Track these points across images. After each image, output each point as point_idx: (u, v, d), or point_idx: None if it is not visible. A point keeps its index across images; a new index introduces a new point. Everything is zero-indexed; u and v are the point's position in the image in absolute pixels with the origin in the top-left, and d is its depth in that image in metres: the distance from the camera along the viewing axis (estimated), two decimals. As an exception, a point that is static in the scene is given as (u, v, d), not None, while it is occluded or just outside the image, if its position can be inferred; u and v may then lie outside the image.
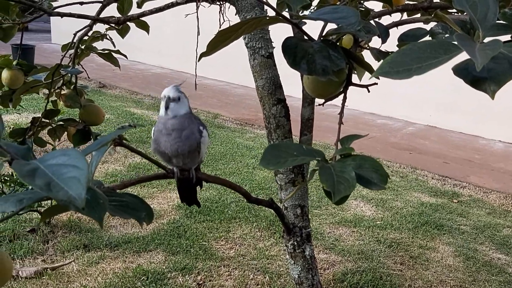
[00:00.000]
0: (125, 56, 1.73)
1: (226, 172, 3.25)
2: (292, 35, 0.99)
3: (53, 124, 1.54)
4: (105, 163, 3.22)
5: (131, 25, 1.57)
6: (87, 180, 0.58)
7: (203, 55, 0.84)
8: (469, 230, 2.68)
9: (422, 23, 1.13)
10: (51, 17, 9.35)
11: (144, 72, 7.00)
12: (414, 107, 5.14)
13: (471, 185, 3.43)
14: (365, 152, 3.95)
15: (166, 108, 0.91)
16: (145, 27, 1.60)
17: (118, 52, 1.65)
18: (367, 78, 0.92)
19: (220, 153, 3.64)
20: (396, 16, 1.21)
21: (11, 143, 0.72)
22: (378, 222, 2.67)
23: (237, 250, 2.25)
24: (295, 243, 1.28)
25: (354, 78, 1.01)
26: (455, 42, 0.64)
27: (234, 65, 5.32)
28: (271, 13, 0.85)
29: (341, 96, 0.94)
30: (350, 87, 0.99)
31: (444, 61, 0.63)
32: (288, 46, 0.86)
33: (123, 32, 1.60)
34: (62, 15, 1.16)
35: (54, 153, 0.62)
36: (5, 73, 1.38)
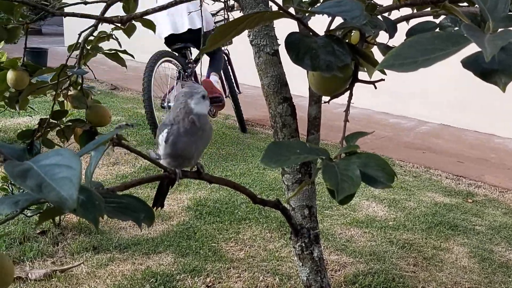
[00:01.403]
0: (132, 56, 1.72)
1: (237, 173, 3.23)
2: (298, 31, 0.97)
3: (61, 125, 1.54)
4: (115, 165, 3.23)
5: (140, 26, 1.57)
6: (80, 180, 0.56)
7: (203, 50, 0.82)
8: (485, 231, 2.62)
9: (432, 17, 1.10)
10: (64, 21, 9.36)
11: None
12: (427, 106, 5.07)
13: (487, 185, 3.36)
14: (377, 151, 3.90)
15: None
16: (151, 26, 1.58)
17: (125, 52, 1.64)
18: (378, 76, 0.89)
19: (231, 154, 3.62)
20: (407, 11, 1.18)
21: (6, 144, 0.70)
22: (391, 223, 2.63)
23: (247, 251, 2.23)
24: (303, 245, 1.25)
25: (365, 76, 0.99)
26: (464, 34, 0.61)
27: (246, 66, 5.31)
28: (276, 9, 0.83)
29: (354, 95, 0.91)
30: (361, 86, 0.96)
31: (452, 53, 0.60)
32: (292, 42, 0.84)
33: (128, 31, 1.59)
34: (65, 15, 1.15)
35: (48, 154, 0.60)
36: (10, 74, 1.37)
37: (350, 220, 2.63)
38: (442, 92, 4.92)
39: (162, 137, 0.90)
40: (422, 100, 5.09)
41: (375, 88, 0.91)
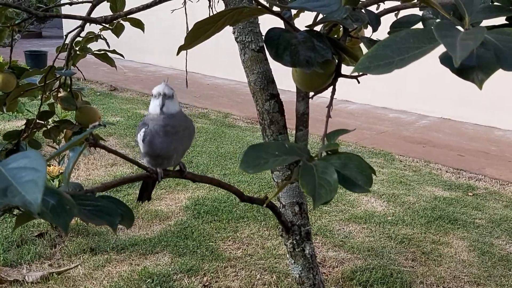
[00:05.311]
0: (122, 55, 1.71)
1: (235, 171, 3.22)
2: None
3: (47, 126, 1.53)
4: (114, 166, 3.22)
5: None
6: (45, 183, 0.55)
7: (181, 48, 0.81)
8: (485, 224, 2.60)
9: (418, 9, 1.08)
10: (63, 24, 9.35)
11: (155, 74, 7.00)
12: (427, 100, 5.04)
13: (487, 178, 3.34)
14: (377, 147, 3.89)
15: (162, 106, 0.88)
16: (139, 25, 1.57)
17: (114, 51, 1.63)
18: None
19: (230, 152, 3.61)
20: (392, 4, 1.16)
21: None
22: (390, 218, 2.62)
23: (245, 250, 2.22)
24: (294, 242, 1.24)
25: (349, 71, 0.97)
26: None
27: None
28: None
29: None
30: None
31: (428, 51, 0.59)
32: (271, 38, 0.83)
33: (117, 31, 1.58)
34: (49, 16, 1.14)
35: (16, 156, 0.59)
36: (-3, 77, 1.36)
37: (349, 216, 2.61)
38: (441, 85, 4.88)
39: (140, 136, 0.89)
40: (422, 94, 5.06)
41: (358, 82, 0.90)
